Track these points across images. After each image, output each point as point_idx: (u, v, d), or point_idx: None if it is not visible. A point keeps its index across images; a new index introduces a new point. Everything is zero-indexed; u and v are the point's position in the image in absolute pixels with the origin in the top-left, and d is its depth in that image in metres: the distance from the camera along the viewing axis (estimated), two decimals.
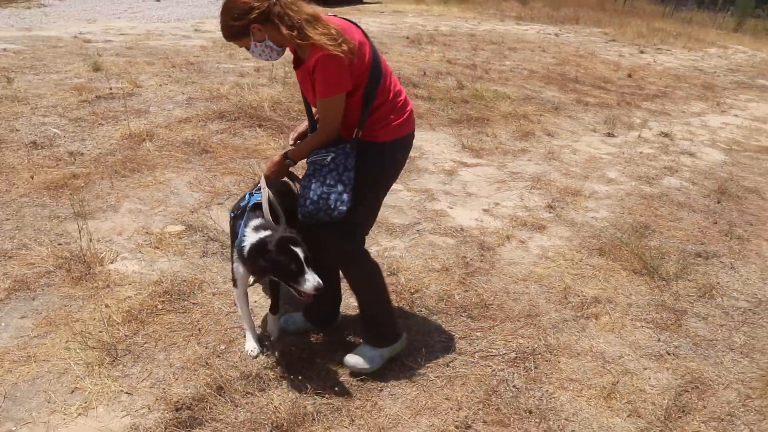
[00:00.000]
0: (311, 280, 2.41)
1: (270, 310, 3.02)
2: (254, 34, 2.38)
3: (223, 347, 2.86)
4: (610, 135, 7.17)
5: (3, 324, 2.89)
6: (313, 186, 2.53)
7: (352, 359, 2.77)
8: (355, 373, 2.76)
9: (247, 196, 2.83)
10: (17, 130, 5.13)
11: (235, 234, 2.73)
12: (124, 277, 3.33)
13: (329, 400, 2.59)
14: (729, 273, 4.10)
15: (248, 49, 2.45)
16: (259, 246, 2.48)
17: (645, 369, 3.02)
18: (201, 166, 4.83)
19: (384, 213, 4.21)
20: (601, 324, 3.36)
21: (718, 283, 3.91)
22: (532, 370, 2.91)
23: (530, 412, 2.64)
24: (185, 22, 11.50)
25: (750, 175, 6.30)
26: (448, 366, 2.89)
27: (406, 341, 2.92)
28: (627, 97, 9.48)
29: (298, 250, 2.42)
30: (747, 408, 2.83)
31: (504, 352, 3.02)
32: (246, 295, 2.84)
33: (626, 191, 5.40)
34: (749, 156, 7.05)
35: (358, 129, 2.51)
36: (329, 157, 2.52)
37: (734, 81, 12.38)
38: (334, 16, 2.46)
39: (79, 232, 3.51)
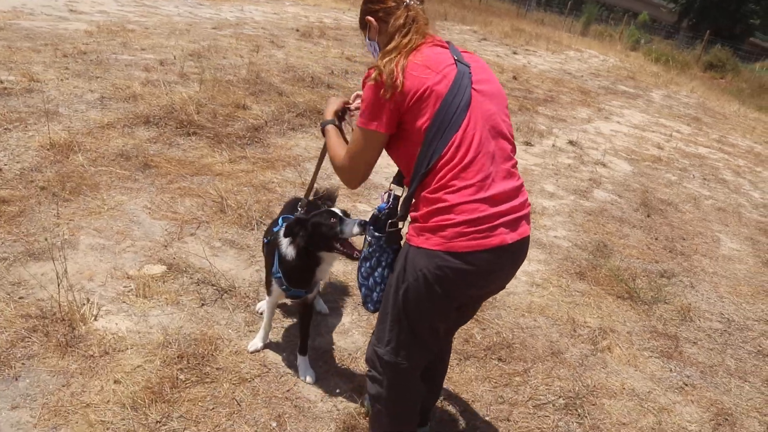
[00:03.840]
0: (353, 222, 2.33)
1: (299, 351, 2.84)
2: (369, 29, 2.09)
3: (274, 424, 2.51)
4: (528, 144, 7.43)
5: None
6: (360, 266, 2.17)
7: None
8: None
9: (280, 221, 2.74)
10: None
11: (271, 261, 2.67)
12: (120, 340, 2.80)
13: None
14: (692, 293, 4.42)
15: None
16: (297, 220, 2.43)
17: (675, 403, 3.15)
18: (150, 186, 4.24)
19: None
20: (617, 357, 3.45)
21: (689, 305, 4.19)
22: (586, 417, 2.91)
23: None
24: (54, 0, 10.07)
25: (658, 187, 6.86)
26: (509, 420, 2.80)
27: None
28: (522, 101, 9.89)
29: (334, 209, 2.45)
30: None
31: (552, 398, 2.99)
32: (274, 309, 2.98)
33: (570, 207, 5.62)
34: (649, 166, 7.69)
35: (398, 216, 2.05)
36: (366, 244, 2.14)
37: (601, 87, 13.46)
38: (442, 46, 2.01)
39: (58, 284, 2.90)
